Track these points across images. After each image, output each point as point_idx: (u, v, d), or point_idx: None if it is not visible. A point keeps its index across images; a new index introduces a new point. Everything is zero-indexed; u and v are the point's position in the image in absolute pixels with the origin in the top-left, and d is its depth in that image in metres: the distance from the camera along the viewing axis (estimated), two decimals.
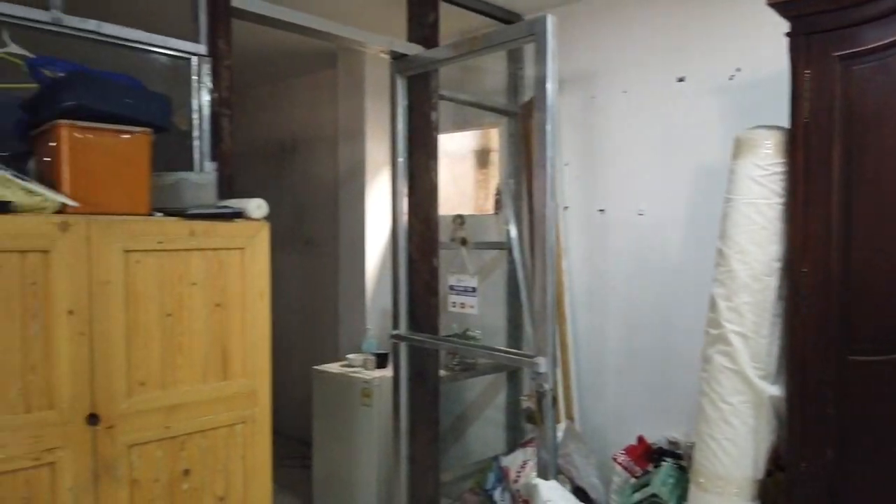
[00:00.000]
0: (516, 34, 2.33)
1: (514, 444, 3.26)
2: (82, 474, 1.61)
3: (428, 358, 2.92)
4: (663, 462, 2.53)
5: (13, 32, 1.85)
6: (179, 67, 2.18)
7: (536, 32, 2.20)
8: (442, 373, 3.10)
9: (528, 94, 3.27)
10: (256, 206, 1.94)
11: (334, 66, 4.13)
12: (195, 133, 2.19)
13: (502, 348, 3.17)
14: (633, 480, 2.57)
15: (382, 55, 2.83)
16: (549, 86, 2.19)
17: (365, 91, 3.88)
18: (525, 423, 3.00)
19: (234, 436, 1.90)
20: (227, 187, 2.18)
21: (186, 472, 1.80)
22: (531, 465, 2.72)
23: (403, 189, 2.87)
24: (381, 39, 2.71)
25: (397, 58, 2.83)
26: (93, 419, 1.62)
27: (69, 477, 1.58)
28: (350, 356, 3.58)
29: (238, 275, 1.90)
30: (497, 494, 2.73)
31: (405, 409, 2.87)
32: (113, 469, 1.66)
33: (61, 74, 1.69)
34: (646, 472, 2.46)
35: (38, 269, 1.55)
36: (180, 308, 1.79)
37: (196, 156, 2.19)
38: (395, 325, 2.89)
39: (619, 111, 2.96)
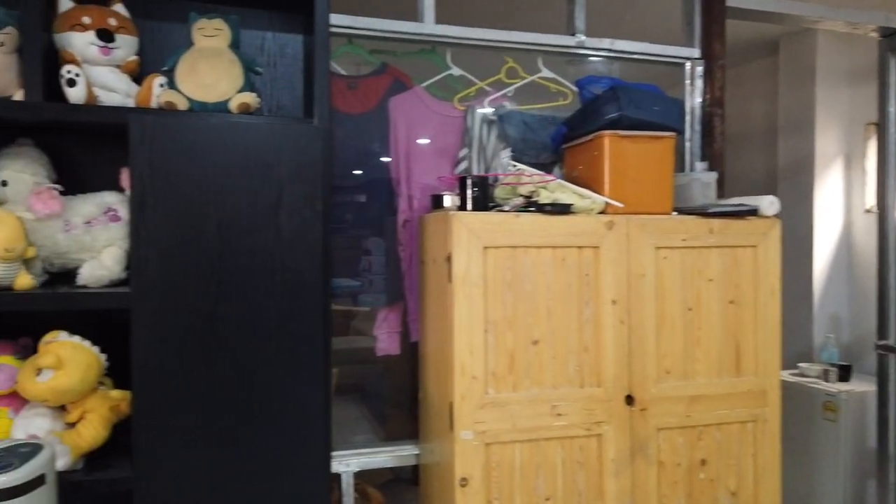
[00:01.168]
0: None
1: None
2: (622, 449, 1.78)
3: None
4: None
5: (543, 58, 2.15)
6: (671, 72, 2.28)
7: None
8: None
9: None
10: (769, 203, 1.91)
11: (773, 55, 3.89)
12: (687, 134, 2.26)
13: None
14: None
15: (872, 34, 2.55)
16: None
17: (815, 78, 3.56)
18: None
19: (745, 433, 1.90)
20: (720, 186, 2.20)
21: (703, 462, 1.86)
22: None
23: (892, 181, 2.54)
24: (874, 16, 2.44)
25: (888, 35, 2.51)
26: (629, 400, 1.79)
27: (612, 449, 1.77)
28: (802, 365, 3.32)
29: (750, 272, 1.90)
30: None
31: (894, 431, 2.53)
32: (644, 448, 1.80)
33: (599, 91, 1.89)
34: None
35: (590, 262, 1.76)
36: (698, 303, 1.86)
37: (687, 156, 2.26)
38: (882, 335, 2.57)
39: None
